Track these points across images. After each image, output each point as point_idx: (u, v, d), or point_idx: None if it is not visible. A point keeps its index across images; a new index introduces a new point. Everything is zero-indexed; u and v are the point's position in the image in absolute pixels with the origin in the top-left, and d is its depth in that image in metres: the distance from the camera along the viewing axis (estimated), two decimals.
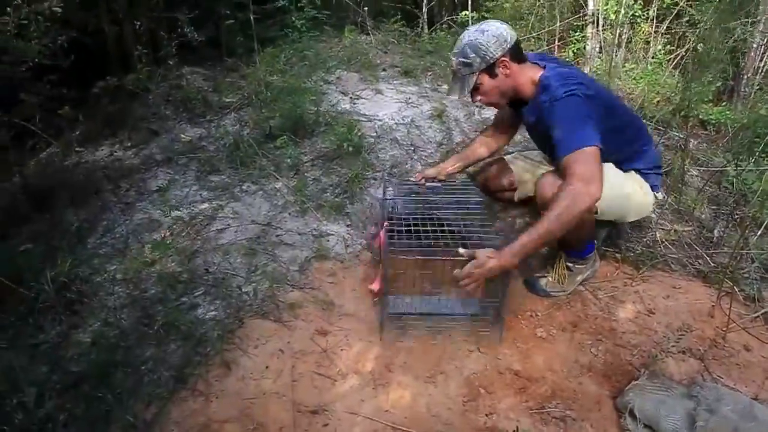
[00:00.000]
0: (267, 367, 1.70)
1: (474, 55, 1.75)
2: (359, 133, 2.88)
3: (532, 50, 3.77)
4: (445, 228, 1.86)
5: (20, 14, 2.30)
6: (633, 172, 1.93)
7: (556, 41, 4.67)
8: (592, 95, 1.70)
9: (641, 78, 3.84)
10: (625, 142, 1.89)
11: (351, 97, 3.43)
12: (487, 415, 1.56)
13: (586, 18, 4.56)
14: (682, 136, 3.08)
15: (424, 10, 5.16)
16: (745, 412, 1.44)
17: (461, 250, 1.65)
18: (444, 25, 5.13)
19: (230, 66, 3.83)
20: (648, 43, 4.32)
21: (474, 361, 1.74)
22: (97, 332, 1.81)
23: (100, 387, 1.59)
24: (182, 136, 3.04)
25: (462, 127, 3.16)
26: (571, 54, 4.52)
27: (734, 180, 2.70)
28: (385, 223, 1.89)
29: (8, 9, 2.29)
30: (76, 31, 2.81)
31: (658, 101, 3.57)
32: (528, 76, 1.81)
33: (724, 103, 3.89)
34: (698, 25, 4.08)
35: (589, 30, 4.53)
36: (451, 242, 1.79)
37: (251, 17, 3.68)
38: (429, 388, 1.65)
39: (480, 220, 1.89)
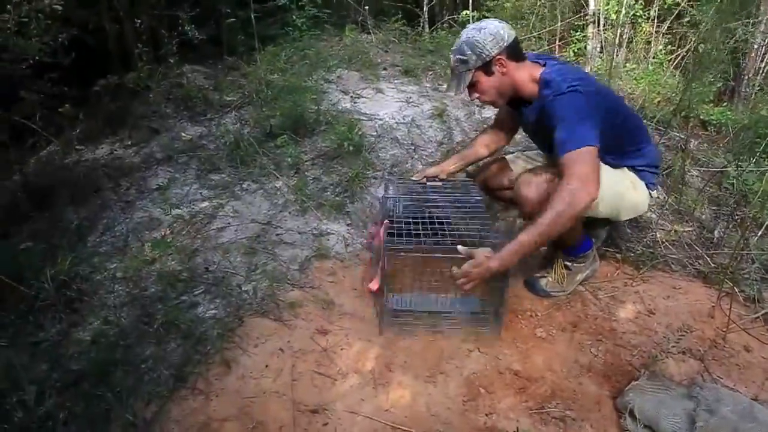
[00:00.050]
0: (267, 366, 1.70)
1: (470, 52, 1.76)
2: (360, 132, 2.88)
3: (533, 50, 3.77)
4: (445, 227, 1.87)
5: (21, 12, 2.30)
6: (626, 168, 1.92)
7: (557, 41, 4.67)
8: (593, 92, 1.70)
9: (642, 78, 3.84)
10: (622, 139, 1.88)
11: (352, 96, 3.43)
12: (486, 414, 1.56)
13: (587, 18, 4.56)
14: (682, 136, 3.08)
15: (425, 9, 5.16)
16: (745, 412, 1.44)
17: (460, 248, 1.67)
18: (445, 25, 5.13)
19: (231, 64, 3.83)
20: (649, 43, 4.32)
21: (474, 361, 1.74)
22: (97, 330, 1.81)
23: (100, 385, 1.59)
24: (183, 134, 3.04)
25: (462, 127, 3.15)
26: (571, 54, 4.52)
27: (735, 180, 2.70)
28: (385, 222, 1.90)
29: (8, 6, 2.29)
30: (76, 29, 2.81)
31: (658, 101, 3.57)
32: (527, 74, 1.81)
33: (724, 104, 3.89)
34: (699, 26, 4.08)
35: (590, 30, 4.53)
36: (451, 241, 1.80)
37: (252, 15, 3.68)
38: (429, 387, 1.65)
39: (480, 219, 1.89)
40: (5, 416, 1.47)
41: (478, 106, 3.36)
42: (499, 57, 1.76)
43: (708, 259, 2.23)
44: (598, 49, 4.50)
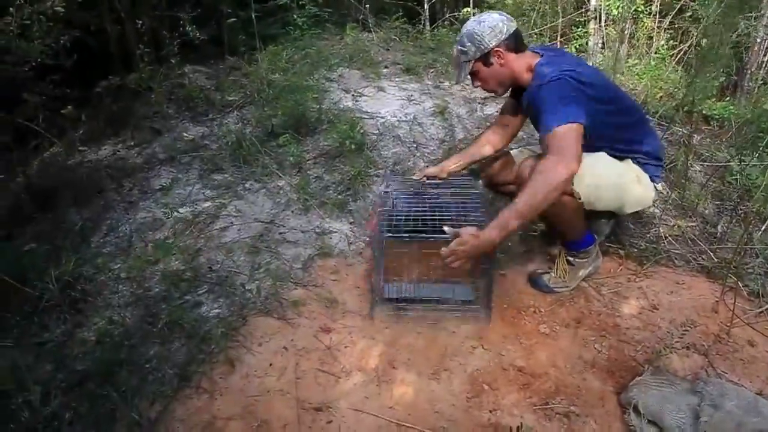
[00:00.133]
0: (271, 365, 1.71)
1: (470, 44, 1.82)
2: (361, 131, 2.88)
3: (534, 51, 3.76)
4: (436, 216, 1.88)
5: (23, 14, 2.31)
6: (630, 160, 1.91)
7: (559, 37, 4.65)
8: (584, 81, 1.72)
9: (644, 73, 3.83)
10: (622, 129, 1.88)
11: (353, 95, 3.43)
12: (490, 411, 1.56)
13: (588, 14, 4.55)
14: (685, 131, 3.07)
15: (426, 7, 5.15)
16: (749, 407, 1.43)
17: (446, 228, 1.69)
18: (446, 22, 5.11)
19: (232, 64, 3.84)
20: (651, 38, 4.30)
21: (477, 358, 1.74)
22: (101, 331, 1.81)
23: (105, 385, 1.60)
24: (185, 134, 3.04)
25: (464, 124, 3.15)
26: (573, 50, 4.51)
27: (738, 175, 2.68)
28: (379, 209, 1.91)
29: (11, 9, 2.29)
30: (78, 31, 2.82)
31: (661, 96, 3.56)
32: (525, 64, 1.85)
33: (727, 98, 3.88)
34: (701, 21, 4.06)
35: (592, 26, 4.52)
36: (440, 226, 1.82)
37: (253, 15, 3.68)
38: (432, 384, 1.65)
39: (481, 214, 1.90)
40: (11, 416, 1.48)
41: (479, 103, 3.36)
42: (497, 48, 1.81)
43: (711, 254, 2.23)
44: (600, 45, 4.48)
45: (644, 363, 1.71)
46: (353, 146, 2.75)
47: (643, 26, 4.28)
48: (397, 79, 3.69)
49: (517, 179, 2.08)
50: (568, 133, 1.62)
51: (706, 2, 3.99)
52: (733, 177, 2.70)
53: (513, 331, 1.85)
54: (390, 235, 1.78)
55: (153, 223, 2.40)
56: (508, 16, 1.86)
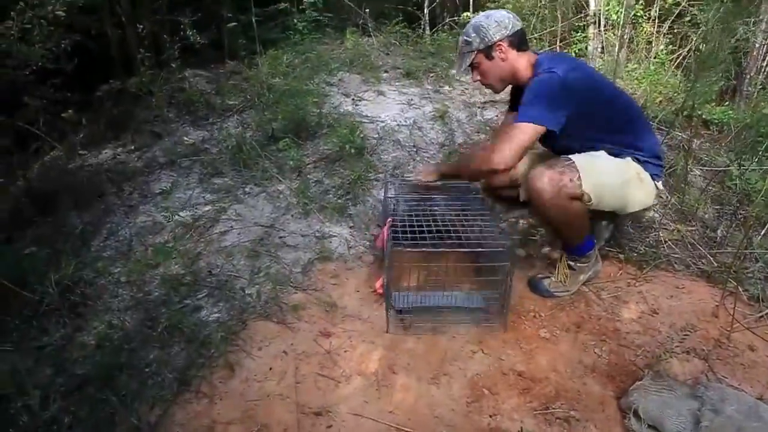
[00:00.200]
0: (270, 369, 1.70)
1: (474, 35, 1.88)
2: (361, 135, 2.89)
3: (534, 51, 3.77)
4: (448, 225, 1.89)
5: (24, 18, 2.32)
6: (629, 158, 1.91)
7: (558, 42, 4.66)
8: (575, 77, 1.77)
9: (643, 78, 3.83)
10: (617, 127, 1.90)
11: (353, 99, 3.44)
12: (490, 416, 1.56)
13: (587, 18, 4.56)
14: (685, 136, 3.08)
15: (426, 11, 5.16)
16: (750, 412, 1.43)
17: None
18: (446, 27, 5.12)
19: (232, 68, 3.84)
20: (650, 43, 4.31)
21: (477, 362, 1.74)
22: (101, 335, 1.81)
23: (104, 389, 1.60)
24: (185, 138, 3.04)
25: (464, 129, 3.15)
26: (573, 54, 4.52)
27: (737, 180, 2.69)
28: (388, 220, 1.91)
29: (12, 13, 2.30)
30: (79, 35, 2.82)
31: (660, 101, 3.57)
32: (526, 62, 1.91)
33: (726, 103, 3.88)
34: (700, 25, 4.07)
35: (591, 30, 4.53)
36: (454, 236, 1.85)
37: (253, 20, 3.69)
38: (432, 389, 1.65)
39: (482, 218, 1.92)
40: (10, 421, 1.48)
41: (479, 107, 3.37)
42: (500, 43, 1.86)
43: (711, 258, 2.23)
44: (599, 50, 4.49)
45: (644, 367, 1.71)
46: (353, 150, 2.75)
47: (642, 31, 4.30)
48: (397, 84, 3.69)
49: (514, 183, 2.10)
50: (523, 133, 1.75)
51: (705, 7, 4.01)
52: (733, 181, 2.71)
53: (513, 336, 1.85)
54: (404, 248, 1.77)
55: (153, 227, 2.40)
56: (516, 15, 1.92)
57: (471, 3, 5.19)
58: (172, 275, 2.08)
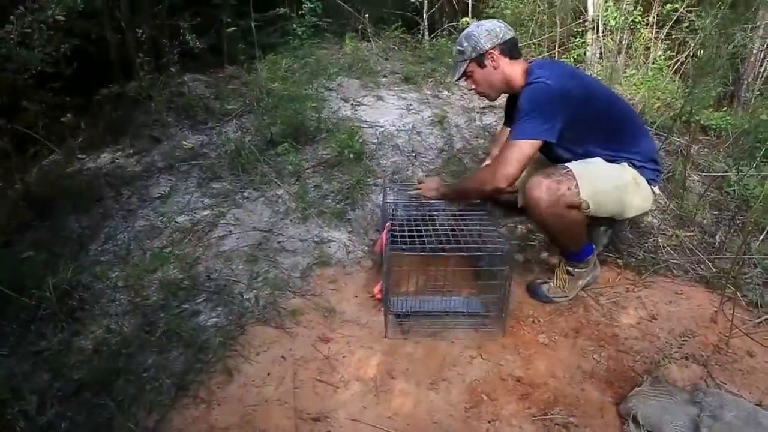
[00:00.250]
0: (269, 374, 1.70)
1: (467, 44, 1.91)
2: (360, 140, 2.89)
3: (532, 56, 3.78)
4: (447, 230, 1.89)
5: (23, 23, 2.32)
6: (625, 163, 1.91)
7: (557, 47, 4.68)
8: (568, 85, 1.78)
9: (642, 84, 3.85)
10: (611, 133, 1.91)
11: (352, 104, 3.44)
12: (489, 421, 1.56)
13: (586, 24, 4.58)
14: (683, 141, 3.09)
15: (425, 16, 5.17)
16: (748, 418, 1.43)
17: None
18: (445, 32, 5.13)
19: (232, 73, 3.84)
20: (648, 48, 4.33)
21: (476, 368, 1.74)
22: (98, 339, 1.81)
23: (101, 394, 1.59)
24: (184, 143, 3.04)
25: (463, 134, 3.16)
26: (571, 60, 4.53)
27: (736, 185, 2.70)
28: (387, 225, 1.92)
29: (12, 17, 2.30)
30: (78, 39, 2.82)
31: (658, 107, 3.58)
32: (520, 71, 1.92)
33: (724, 109, 3.90)
34: (698, 31, 4.09)
35: (589, 36, 4.55)
36: (453, 240, 1.85)
37: (252, 24, 3.70)
38: (431, 394, 1.64)
39: (480, 223, 1.92)
40: (7, 426, 1.47)
41: (478, 112, 3.37)
42: (491, 51, 1.89)
43: (710, 263, 2.23)
44: (598, 56, 4.51)
45: (643, 373, 1.71)
46: (352, 155, 2.76)
47: (640, 37, 4.31)
48: (396, 89, 3.70)
49: (515, 188, 2.10)
50: (521, 151, 1.78)
51: (703, 13, 4.03)
52: (731, 187, 2.72)
53: (512, 341, 1.85)
54: (403, 253, 1.78)
55: (151, 232, 2.39)
56: (507, 24, 1.95)
57: (470, 8, 5.21)
58: (170, 280, 2.07)
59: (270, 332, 1.87)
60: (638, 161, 1.91)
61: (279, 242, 2.33)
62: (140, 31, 3.34)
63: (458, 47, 1.94)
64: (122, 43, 3.49)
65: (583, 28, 4.64)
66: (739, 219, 2.51)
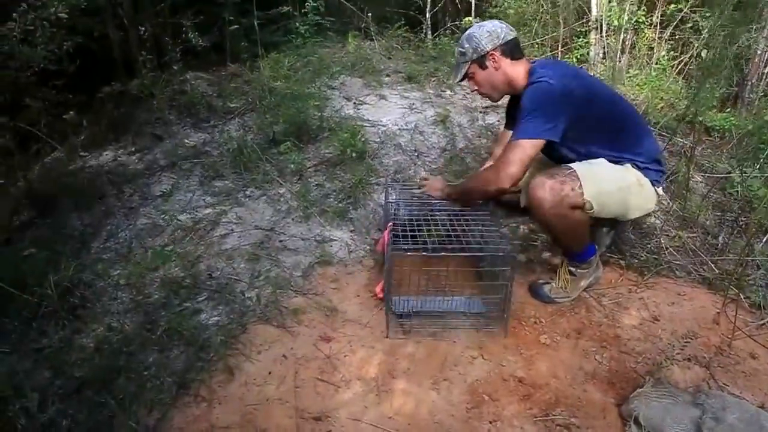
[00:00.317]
0: (270, 373, 1.70)
1: (468, 45, 1.90)
2: (363, 139, 2.89)
3: (535, 56, 3.77)
4: (449, 230, 1.89)
5: (26, 20, 2.32)
6: (629, 165, 1.91)
7: (560, 47, 4.67)
8: (570, 85, 1.77)
9: (645, 84, 3.84)
10: (614, 134, 1.90)
11: (355, 103, 3.44)
12: (491, 422, 1.55)
13: (589, 24, 4.56)
14: (687, 142, 3.08)
15: (428, 15, 5.17)
16: (751, 420, 1.43)
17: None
18: (447, 31, 5.13)
19: (234, 71, 3.84)
20: (651, 49, 4.32)
21: (478, 368, 1.73)
22: (100, 337, 1.81)
23: (103, 392, 1.59)
24: (186, 141, 3.04)
25: (465, 133, 3.15)
26: (574, 60, 4.52)
27: (739, 186, 2.69)
28: (389, 224, 1.91)
29: (14, 15, 2.31)
30: (81, 37, 2.82)
31: (662, 107, 3.57)
32: (522, 71, 1.91)
33: (728, 110, 3.88)
34: (702, 32, 4.08)
35: (593, 36, 4.53)
36: (455, 240, 1.84)
37: (255, 23, 3.70)
38: (432, 394, 1.64)
39: (483, 222, 1.92)
40: (8, 423, 1.47)
41: (481, 112, 3.37)
42: (492, 52, 1.88)
43: (713, 265, 2.23)
44: (601, 56, 4.50)
45: (645, 375, 1.70)
46: (354, 154, 2.75)
47: (644, 37, 4.30)
48: (398, 88, 3.69)
49: (518, 188, 2.10)
50: (523, 150, 1.77)
51: (707, 14, 4.02)
52: (734, 188, 2.71)
53: (513, 342, 1.85)
54: (405, 252, 1.77)
55: (153, 230, 2.39)
56: (508, 25, 1.93)
57: (473, 7, 5.20)
58: (171, 278, 2.07)
59: (271, 331, 1.87)
60: (641, 162, 1.91)
61: (281, 241, 2.33)
62: (143, 28, 3.34)
63: (459, 48, 1.94)
64: (125, 41, 3.49)
65: (587, 28, 4.63)
66: (742, 220, 2.50)
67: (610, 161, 1.88)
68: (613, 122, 1.89)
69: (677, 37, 4.38)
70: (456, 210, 2.04)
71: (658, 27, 4.34)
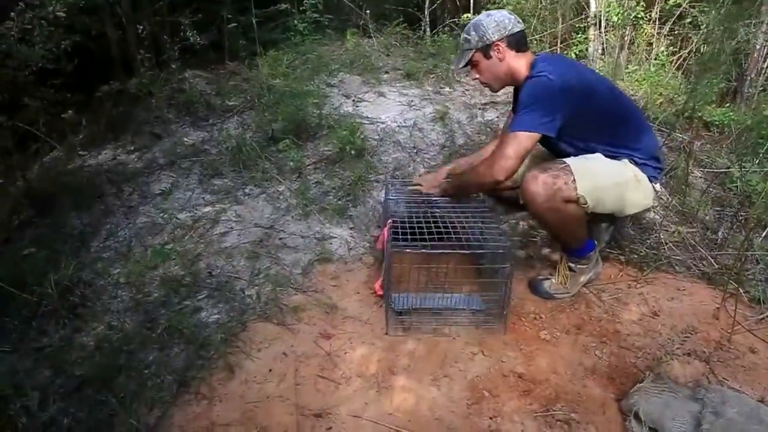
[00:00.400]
0: (270, 371, 1.70)
1: (474, 33, 1.90)
2: (362, 136, 2.89)
3: (534, 52, 3.76)
4: (448, 227, 1.89)
5: (24, 19, 2.32)
6: (626, 160, 1.91)
7: (559, 43, 4.66)
8: (570, 79, 1.77)
9: (644, 79, 3.83)
10: (612, 129, 1.90)
11: (353, 100, 3.44)
12: (491, 418, 1.55)
13: (588, 20, 4.55)
14: (686, 137, 3.07)
15: (427, 12, 5.16)
16: (751, 414, 1.43)
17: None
18: (446, 28, 5.12)
19: (233, 69, 3.84)
20: (650, 44, 4.31)
21: (478, 364, 1.74)
22: (100, 336, 1.81)
23: (103, 391, 1.59)
24: (185, 139, 3.04)
25: (465, 130, 3.15)
26: (573, 56, 4.52)
27: (738, 181, 2.69)
28: (389, 221, 1.91)
29: (12, 14, 2.30)
30: (79, 36, 2.82)
31: (661, 103, 3.56)
32: (525, 64, 1.90)
33: (727, 105, 3.88)
34: (701, 27, 4.07)
35: (592, 32, 4.52)
36: (454, 237, 1.85)
37: (253, 20, 3.69)
38: (433, 391, 1.64)
39: (482, 219, 1.92)
40: (9, 422, 1.48)
41: (480, 109, 3.37)
42: (498, 43, 1.87)
43: (712, 260, 2.22)
44: (600, 51, 4.49)
45: (645, 370, 1.70)
46: (353, 152, 2.75)
47: (642, 32, 4.29)
48: (397, 85, 3.69)
49: (515, 184, 2.10)
50: (519, 142, 1.77)
51: (706, 9, 4.01)
52: (734, 183, 2.71)
53: (513, 338, 1.85)
54: (405, 249, 1.78)
55: (153, 228, 2.39)
56: (517, 17, 1.92)
57: (472, 4, 5.19)
58: (171, 276, 2.07)
59: (271, 329, 1.87)
60: (640, 158, 1.90)
61: (280, 239, 2.33)
62: (141, 27, 3.34)
63: (465, 35, 1.92)
64: (123, 40, 3.49)
65: (585, 24, 4.62)
66: (741, 215, 2.50)
67: (607, 156, 1.88)
68: (613, 118, 1.89)
69: (676, 32, 4.37)
70: (456, 207, 2.04)
71: (657, 22, 4.33)
